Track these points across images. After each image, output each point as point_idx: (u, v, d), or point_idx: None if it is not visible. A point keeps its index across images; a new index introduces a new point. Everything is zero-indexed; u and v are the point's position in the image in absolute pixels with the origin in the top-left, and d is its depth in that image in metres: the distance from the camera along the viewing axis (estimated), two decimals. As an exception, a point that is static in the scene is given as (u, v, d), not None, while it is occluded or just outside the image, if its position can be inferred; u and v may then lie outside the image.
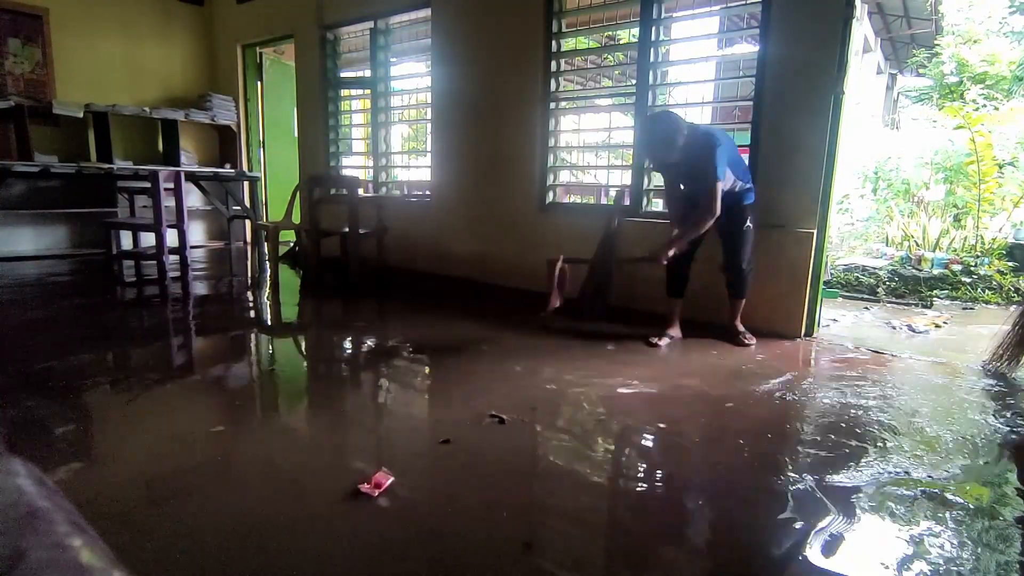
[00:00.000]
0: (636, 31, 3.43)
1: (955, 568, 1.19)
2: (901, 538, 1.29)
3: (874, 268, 4.48)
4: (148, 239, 4.48)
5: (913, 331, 3.21)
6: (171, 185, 4.17)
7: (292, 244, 5.42)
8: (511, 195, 3.97)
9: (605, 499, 1.49)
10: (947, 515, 1.39)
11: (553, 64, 3.71)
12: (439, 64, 4.25)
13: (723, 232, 2.78)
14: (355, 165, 5.30)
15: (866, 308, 3.81)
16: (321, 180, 4.61)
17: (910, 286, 4.21)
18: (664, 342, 2.80)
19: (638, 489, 1.52)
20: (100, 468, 1.57)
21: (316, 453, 1.70)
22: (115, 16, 5.47)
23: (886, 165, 6.47)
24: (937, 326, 3.34)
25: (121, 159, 5.35)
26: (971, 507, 1.43)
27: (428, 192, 4.60)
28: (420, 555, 1.21)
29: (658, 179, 3.45)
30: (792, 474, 1.59)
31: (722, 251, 2.82)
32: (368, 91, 4.81)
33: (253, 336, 3.08)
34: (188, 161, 5.77)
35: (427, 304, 3.71)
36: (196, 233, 6.14)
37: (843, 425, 1.90)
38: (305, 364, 2.69)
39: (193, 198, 5.75)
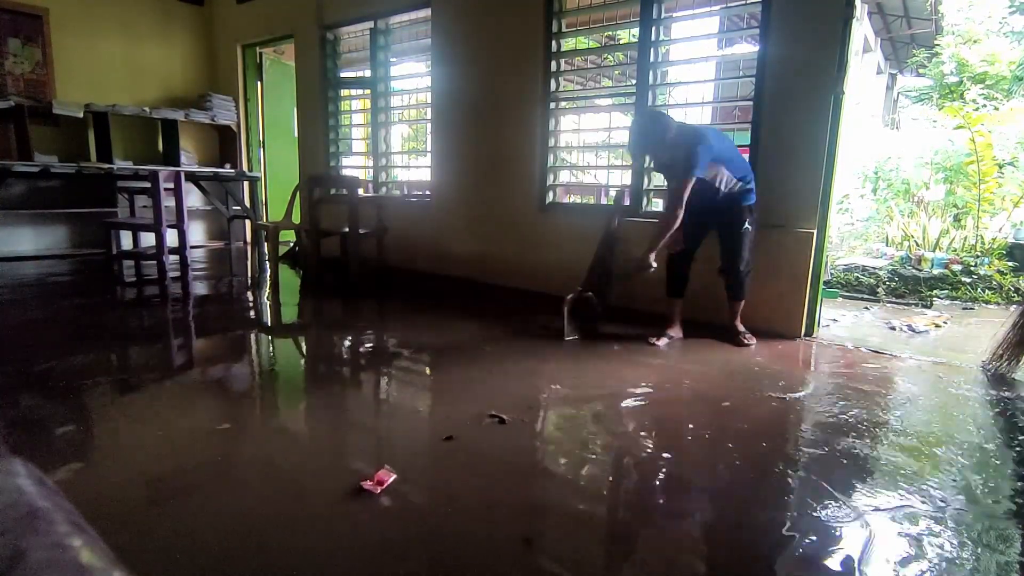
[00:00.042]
0: (636, 31, 3.43)
1: (955, 567, 1.19)
2: (900, 539, 1.29)
3: (874, 268, 4.48)
4: (148, 239, 4.48)
5: (913, 331, 3.21)
6: (171, 185, 4.17)
7: (292, 244, 5.42)
8: (511, 195, 3.97)
9: (604, 498, 1.49)
10: (946, 514, 1.39)
11: (553, 64, 3.71)
12: (439, 64, 4.25)
13: (722, 233, 2.78)
14: (355, 165, 5.30)
15: (866, 308, 3.81)
16: (321, 180, 4.61)
17: (910, 286, 4.21)
18: (663, 342, 2.80)
19: (637, 488, 1.51)
20: (100, 468, 1.57)
21: (316, 452, 1.70)
22: (115, 16, 5.47)
23: (886, 165, 6.47)
24: (937, 326, 3.34)
25: (121, 159, 5.35)
26: (970, 507, 1.43)
27: (428, 192, 4.60)
28: (421, 553, 1.21)
29: (658, 179, 3.45)
30: (790, 475, 1.59)
31: (721, 255, 2.82)
32: (368, 91, 4.81)
33: (253, 336, 3.08)
34: (188, 161, 5.77)
35: (427, 304, 3.71)
36: (196, 233, 6.14)
37: (842, 426, 1.90)
38: (305, 364, 2.69)
39: (193, 198, 5.75)
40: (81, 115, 5.04)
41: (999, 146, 5.68)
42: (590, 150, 4.91)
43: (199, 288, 4.10)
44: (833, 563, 1.21)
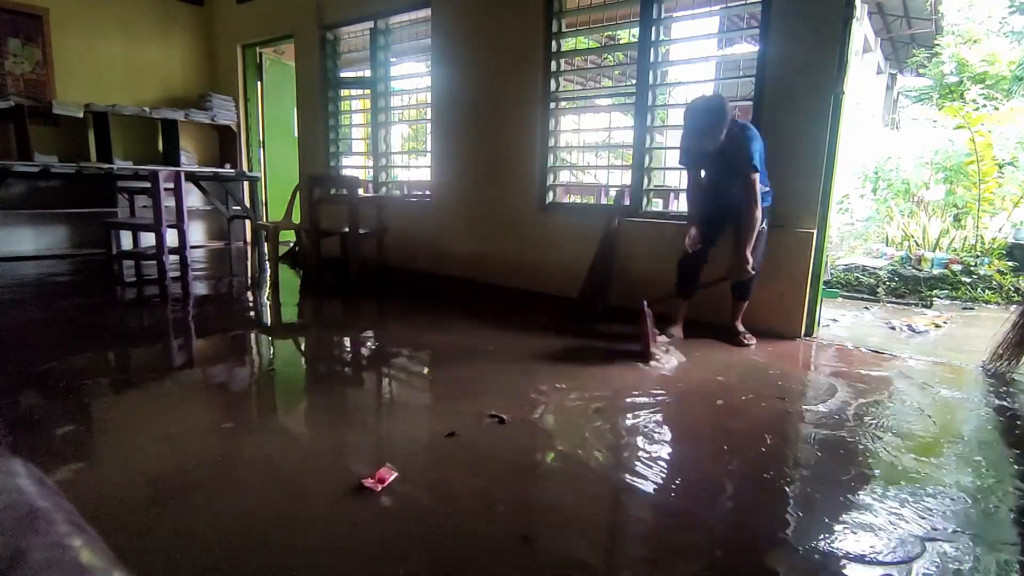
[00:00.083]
0: (636, 31, 3.43)
1: (956, 567, 1.19)
2: (900, 539, 1.29)
3: (874, 268, 4.48)
4: (148, 239, 4.48)
5: (913, 331, 3.21)
6: (171, 185, 4.17)
7: (292, 244, 5.42)
8: (511, 195, 3.98)
9: (604, 498, 1.49)
10: (946, 514, 1.39)
11: (553, 64, 3.71)
12: (439, 64, 4.25)
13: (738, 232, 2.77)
14: (355, 165, 5.31)
15: (866, 308, 3.81)
16: (321, 180, 4.61)
17: (910, 286, 4.21)
18: (664, 339, 2.80)
19: (636, 487, 1.51)
20: (100, 468, 1.57)
21: (316, 451, 1.70)
22: (115, 16, 5.47)
23: (886, 165, 6.48)
24: (937, 326, 3.34)
25: (121, 159, 5.35)
26: (970, 507, 1.43)
27: (428, 192, 4.60)
28: (421, 551, 1.21)
29: (657, 179, 3.45)
30: (790, 475, 1.59)
31: (732, 251, 2.81)
32: (368, 91, 4.81)
33: (253, 336, 3.08)
34: (188, 161, 5.77)
35: (427, 304, 3.71)
36: (196, 233, 6.15)
37: (841, 426, 1.90)
38: (305, 364, 2.69)
39: (193, 198, 5.75)
40: (81, 115, 5.04)
41: (999, 146, 5.69)
42: (590, 150, 4.91)
43: (199, 288, 4.10)
44: (833, 563, 1.21)
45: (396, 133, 6.41)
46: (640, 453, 1.70)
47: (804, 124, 2.80)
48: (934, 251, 4.81)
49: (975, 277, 4.28)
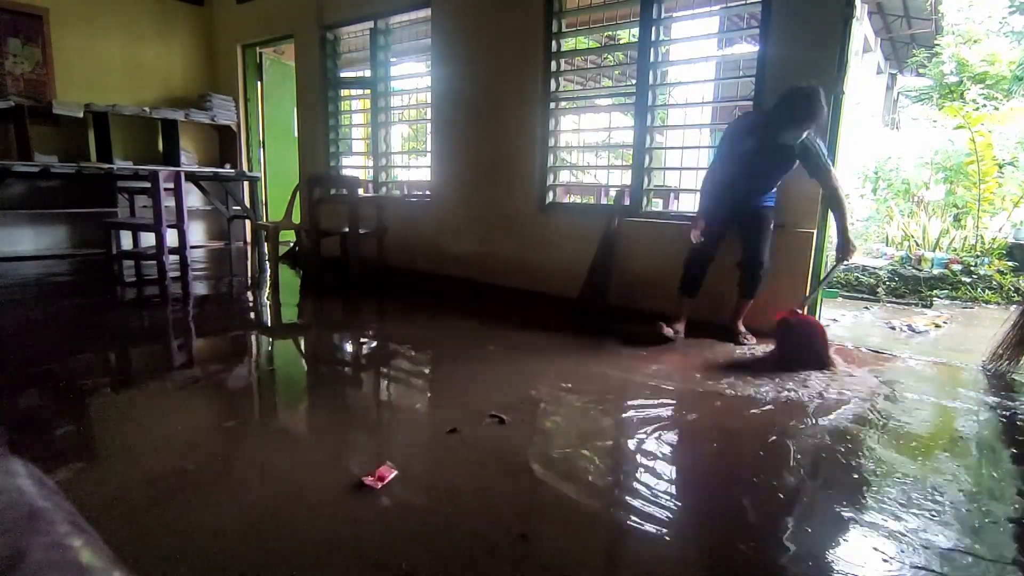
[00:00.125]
0: (636, 31, 3.43)
1: (956, 567, 1.19)
2: (900, 539, 1.29)
3: (874, 268, 4.48)
4: (148, 239, 4.48)
5: (913, 331, 3.21)
6: (171, 185, 4.17)
7: (292, 244, 5.42)
8: (511, 195, 3.97)
9: (603, 497, 1.49)
10: (946, 514, 1.39)
11: (553, 64, 3.71)
12: (439, 64, 4.25)
13: (750, 227, 2.78)
14: (355, 165, 5.30)
15: (866, 308, 3.81)
16: (321, 180, 4.61)
17: (910, 286, 4.21)
18: (669, 332, 2.81)
19: (637, 487, 1.51)
20: (100, 468, 1.57)
21: (316, 450, 1.70)
22: (115, 16, 5.47)
23: (886, 165, 6.48)
24: (937, 326, 3.34)
25: (121, 159, 5.35)
26: (967, 497, 1.43)
27: (428, 192, 4.60)
28: (420, 548, 1.21)
29: (658, 179, 3.45)
30: (790, 476, 1.59)
31: (743, 249, 2.81)
32: (368, 91, 4.81)
33: (253, 336, 3.08)
34: (188, 161, 5.77)
35: (427, 304, 3.71)
36: (196, 233, 6.14)
37: (840, 426, 1.90)
38: (305, 364, 2.69)
39: (193, 198, 5.75)
40: (81, 115, 5.04)
41: (999, 146, 5.69)
42: (590, 150, 4.91)
43: (199, 288, 4.10)
44: (833, 563, 1.21)
45: (396, 133, 6.41)
46: (640, 452, 1.69)
47: (804, 124, 2.80)
48: (934, 251, 4.81)
49: (975, 277, 4.28)
